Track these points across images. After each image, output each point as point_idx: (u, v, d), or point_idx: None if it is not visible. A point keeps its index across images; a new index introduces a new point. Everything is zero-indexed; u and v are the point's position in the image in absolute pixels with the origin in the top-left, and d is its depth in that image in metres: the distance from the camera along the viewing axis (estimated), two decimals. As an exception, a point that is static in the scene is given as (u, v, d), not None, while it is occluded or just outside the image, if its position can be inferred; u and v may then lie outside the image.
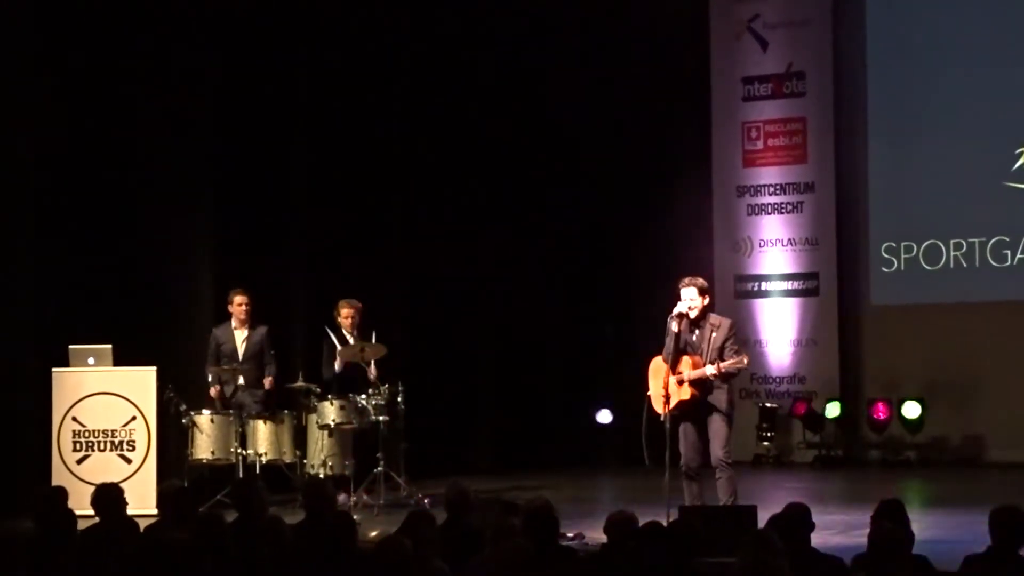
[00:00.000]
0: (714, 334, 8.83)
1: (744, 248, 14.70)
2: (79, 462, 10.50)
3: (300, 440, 10.85)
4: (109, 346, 10.59)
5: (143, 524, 6.83)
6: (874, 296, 14.34)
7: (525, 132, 14.30)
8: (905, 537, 5.65)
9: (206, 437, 10.58)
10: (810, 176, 14.45)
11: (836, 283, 14.33)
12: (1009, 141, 13.63)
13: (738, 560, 4.93)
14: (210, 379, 10.94)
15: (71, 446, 10.54)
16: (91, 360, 10.58)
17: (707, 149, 14.79)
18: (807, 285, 14.44)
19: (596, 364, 14.41)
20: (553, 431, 14.24)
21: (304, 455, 10.80)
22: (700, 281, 8.97)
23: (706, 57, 14.82)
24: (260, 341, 11.01)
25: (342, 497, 10.16)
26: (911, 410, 13.75)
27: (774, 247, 14.60)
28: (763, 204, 14.64)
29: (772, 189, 14.61)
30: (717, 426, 8.82)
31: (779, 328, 14.50)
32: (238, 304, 10.96)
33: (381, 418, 10.63)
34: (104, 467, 10.31)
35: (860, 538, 5.84)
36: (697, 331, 8.89)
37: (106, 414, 10.56)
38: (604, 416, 14.43)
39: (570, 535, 8.32)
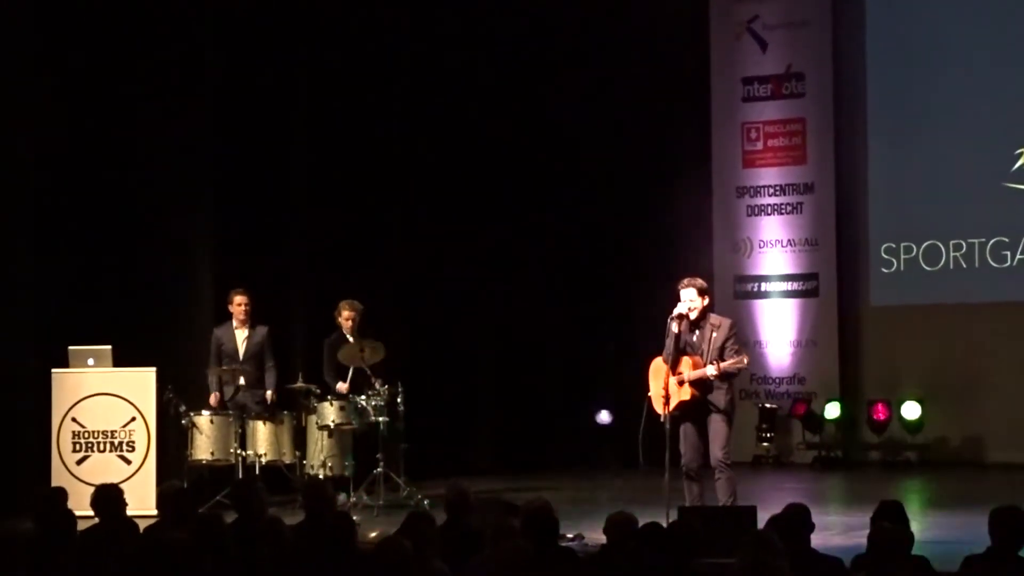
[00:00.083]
0: (714, 334, 8.84)
1: (744, 249, 14.70)
2: (79, 463, 10.50)
3: (300, 441, 10.85)
4: (109, 347, 10.59)
5: (143, 525, 6.82)
6: (874, 297, 14.34)
7: (525, 132, 14.30)
8: (905, 538, 5.65)
9: (206, 438, 10.58)
10: (810, 177, 14.45)
11: (836, 284, 14.33)
12: (1009, 142, 13.62)
13: (738, 561, 4.93)
14: (210, 384, 10.93)
15: (71, 447, 10.54)
16: (91, 361, 10.58)
17: (707, 150, 14.79)
18: (807, 286, 14.44)
19: (596, 365, 14.40)
20: (553, 432, 14.24)
21: (304, 456, 10.80)
22: (699, 282, 8.97)
23: (706, 58, 14.82)
24: (261, 341, 11.00)
25: (341, 497, 10.17)
26: (911, 411, 13.75)
27: (774, 248, 14.60)
28: (763, 205, 14.64)
29: (772, 190, 14.61)
30: (717, 427, 8.82)
31: (779, 329, 14.50)
32: (238, 304, 10.96)
33: (381, 419, 10.63)
34: (104, 468, 10.31)
35: (860, 539, 5.84)
36: (697, 332, 8.89)
37: (106, 415, 10.56)
38: (604, 417, 14.42)
39: (570, 536, 8.32)
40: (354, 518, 6.27)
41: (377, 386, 10.69)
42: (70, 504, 6.77)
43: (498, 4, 14.15)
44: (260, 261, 11.98)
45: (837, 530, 8.79)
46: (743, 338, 11.98)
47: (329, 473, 10.52)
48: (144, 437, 10.55)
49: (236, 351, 10.96)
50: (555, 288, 14.45)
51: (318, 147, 12.83)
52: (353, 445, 10.79)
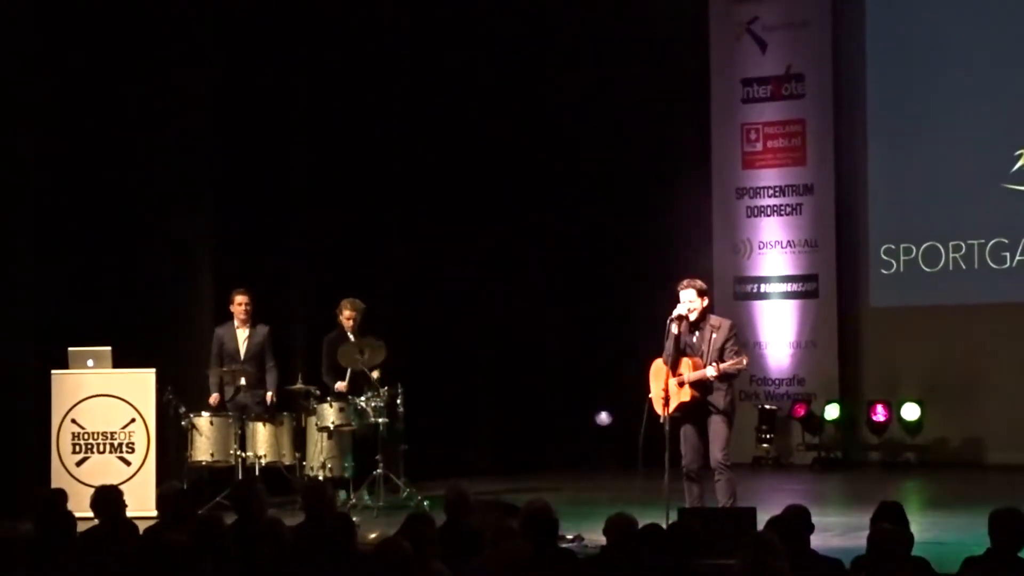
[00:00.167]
0: (714, 335, 8.84)
1: (743, 250, 14.70)
2: (78, 464, 10.49)
3: (299, 442, 10.85)
4: (108, 348, 10.59)
5: (142, 526, 6.82)
6: (873, 298, 14.34)
7: (525, 132, 14.31)
8: (905, 539, 5.65)
9: (205, 439, 10.58)
10: (809, 178, 14.45)
11: (835, 285, 14.34)
12: (1008, 143, 13.63)
13: (738, 562, 4.93)
14: (211, 384, 10.92)
15: (70, 448, 10.53)
16: (90, 362, 10.57)
17: (706, 151, 14.80)
18: (806, 287, 14.44)
19: (596, 365, 14.40)
20: (553, 432, 14.24)
21: (303, 457, 10.80)
22: (699, 283, 8.97)
23: (705, 59, 14.83)
24: (262, 341, 11.00)
25: (341, 495, 10.19)
26: (910, 412, 13.76)
27: (773, 249, 14.60)
28: (762, 206, 14.64)
29: (771, 191, 14.61)
30: (717, 428, 8.82)
31: (778, 330, 14.50)
32: (238, 304, 10.95)
33: (380, 420, 10.62)
34: (103, 469, 10.30)
35: (860, 540, 5.83)
36: (697, 333, 8.89)
37: (105, 416, 10.55)
38: (604, 417, 14.42)
39: (569, 537, 8.32)
40: (354, 519, 6.27)
41: (375, 377, 10.68)
42: (70, 505, 6.78)
43: (498, 4, 14.16)
44: (260, 261, 11.98)
45: (837, 531, 8.79)
46: (743, 339, 11.99)
47: (329, 474, 10.52)
48: (144, 438, 10.55)
49: (237, 351, 10.95)
50: (555, 289, 14.46)
51: (318, 147, 12.83)
52: (353, 446, 10.79)
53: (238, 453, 10.61)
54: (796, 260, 14.49)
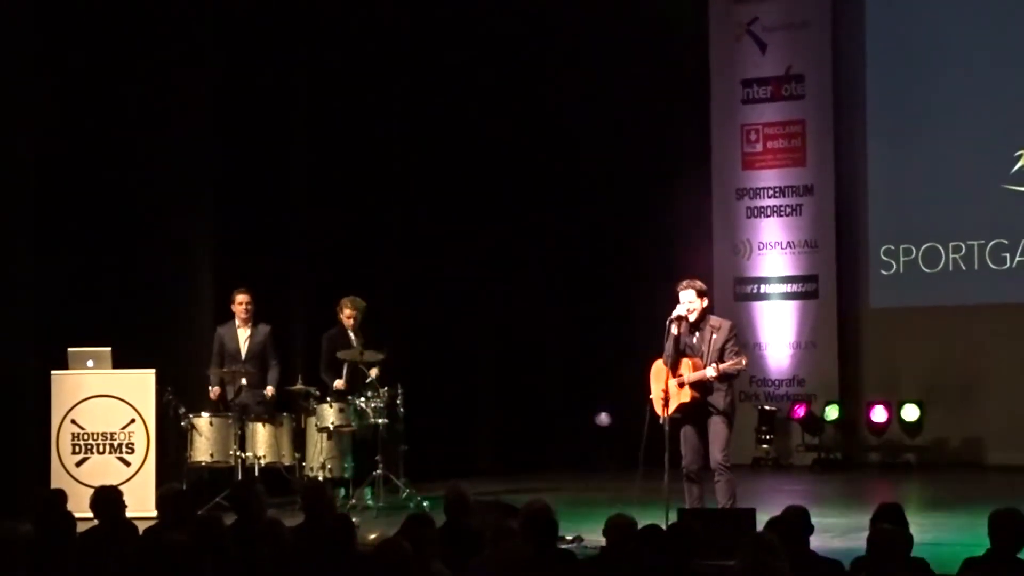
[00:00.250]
0: (714, 336, 8.84)
1: (743, 251, 14.71)
2: (78, 465, 10.49)
3: (299, 442, 10.85)
4: (108, 349, 10.58)
5: (142, 526, 6.82)
6: (873, 299, 14.34)
7: (525, 132, 14.31)
8: (904, 540, 5.65)
9: (205, 439, 10.58)
10: (809, 179, 14.46)
11: (835, 286, 14.34)
12: (1008, 144, 13.63)
13: (737, 563, 4.93)
14: (211, 380, 10.92)
15: (70, 449, 10.53)
16: (90, 363, 10.57)
17: (706, 151, 14.80)
18: (806, 288, 14.44)
19: (595, 366, 14.40)
20: (552, 433, 14.24)
21: (303, 457, 10.80)
22: (698, 283, 8.97)
23: (705, 59, 14.83)
24: (263, 340, 10.99)
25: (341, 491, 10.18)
26: (910, 412, 13.76)
27: (773, 250, 14.60)
28: (762, 207, 14.64)
29: (771, 192, 14.62)
30: (717, 429, 8.82)
31: (778, 331, 14.50)
32: (239, 303, 10.95)
33: (380, 420, 10.62)
34: (103, 469, 10.30)
35: (859, 541, 5.84)
36: (697, 333, 8.89)
37: (105, 417, 10.55)
38: (603, 418, 14.41)
39: (569, 538, 8.32)
40: (353, 520, 6.27)
41: (374, 376, 10.68)
42: (69, 506, 6.78)
43: (498, 4, 14.17)
44: (260, 261, 11.99)
45: (836, 532, 8.79)
46: (743, 340, 12.00)
47: (328, 475, 10.51)
48: (143, 439, 10.55)
49: (238, 350, 10.95)
50: (555, 289, 14.47)
51: (318, 147, 12.84)
52: (352, 447, 10.79)
53: (238, 454, 10.61)
54: (796, 261, 14.49)
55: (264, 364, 10.97)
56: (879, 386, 14.16)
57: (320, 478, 10.38)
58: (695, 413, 8.86)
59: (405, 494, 10.64)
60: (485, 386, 14.17)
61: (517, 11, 14.21)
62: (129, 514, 6.91)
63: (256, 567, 5.76)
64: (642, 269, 14.01)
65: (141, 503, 9.24)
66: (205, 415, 10.65)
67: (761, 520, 7.23)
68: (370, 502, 10.51)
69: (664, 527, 6.19)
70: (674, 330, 8.84)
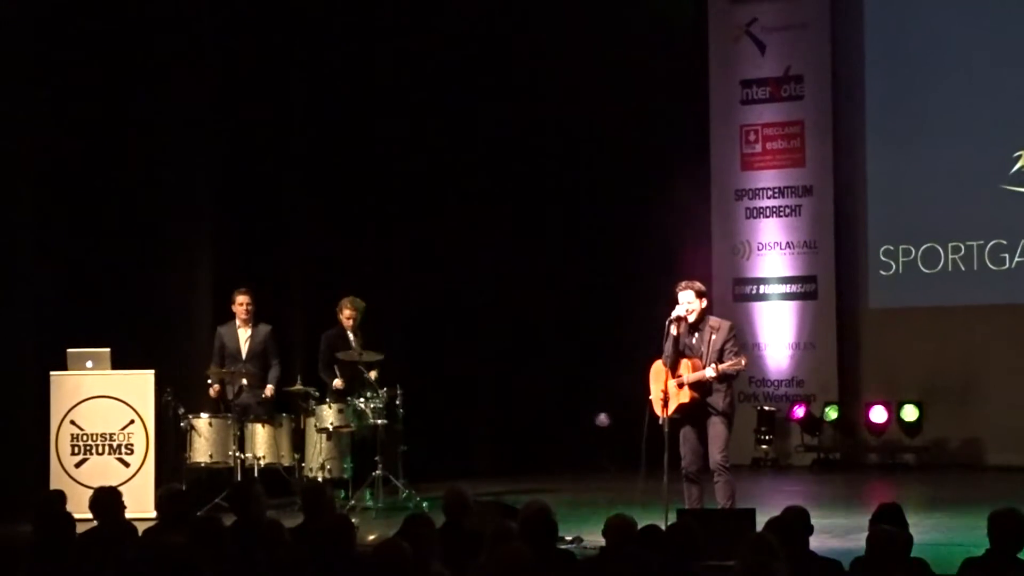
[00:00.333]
0: (714, 336, 8.84)
1: (742, 251, 14.71)
2: (77, 466, 10.49)
3: (298, 443, 10.84)
4: (107, 349, 10.58)
5: (141, 527, 6.82)
6: (872, 299, 14.34)
7: (525, 133, 14.31)
8: (904, 540, 5.65)
9: (204, 440, 10.58)
10: (808, 179, 14.46)
11: (834, 286, 14.34)
12: (1007, 144, 13.63)
13: (737, 564, 4.93)
14: (209, 380, 10.92)
15: (69, 450, 10.53)
16: (89, 363, 10.57)
17: (705, 152, 14.80)
18: (805, 288, 14.45)
19: (595, 367, 14.40)
20: (552, 434, 14.23)
21: (302, 458, 10.79)
22: (697, 284, 8.97)
23: (704, 60, 14.83)
24: (264, 340, 10.99)
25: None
26: (909, 413, 13.76)
27: (772, 250, 14.60)
28: (761, 207, 14.65)
29: (770, 192, 14.62)
30: (716, 429, 8.82)
31: (777, 331, 14.50)
32: (240, 304, 10.95)
33: (379, 421, 10.62)
34: (102, 470, 10.30)
35: (858, 541, 5.84)
36: (696, 334, 8.89)
37: (104, 418, 10.55)
38: (603, 419, 14.41)
39: (568, 538, 8.32)
40: (353, 520, 6.26)
41: (373, 378, 10.67)
42: (69, 507, 6.77)
43: (498, 5, 14.17)
44: (259, 262, 11.99)
45: (836, 533, 8.79)
46: (742, 340, 12.00)
47: (328, 475, 10.51)
48: (143, 440, 10.54)
49: (239, 350, 10.95)
50: (554, 289, 14.46)
51: (318, 147, 12.84)
52: (352, 447, 10.78)
53: (237, 454, 10.60)
54: (795, 261, 14.49)
55: (265, 364, 10.97)
56: (878, 387, 14.16)
57: (319, 479, 10.37)
58: (694, 414, 8.86)
59: (404, 495, 10.64)
60: (484, 387, 14.17)
61: (517, 11, 14.21)
62: (128, 515, 6.90)
63: (255, 568, 5.76)
64: (641, 269, 14.00)
65: (140, 504, 9.24)
66: (204, 416, 10.65)
67: (760, 521, 7.22)
68: (369, 503, 10.50)
69: (663, 528, 6.19)
70: (673, 331, 8.84)
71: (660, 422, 8.82)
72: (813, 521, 6.05)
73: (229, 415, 10.72)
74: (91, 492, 6.87)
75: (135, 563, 5.15)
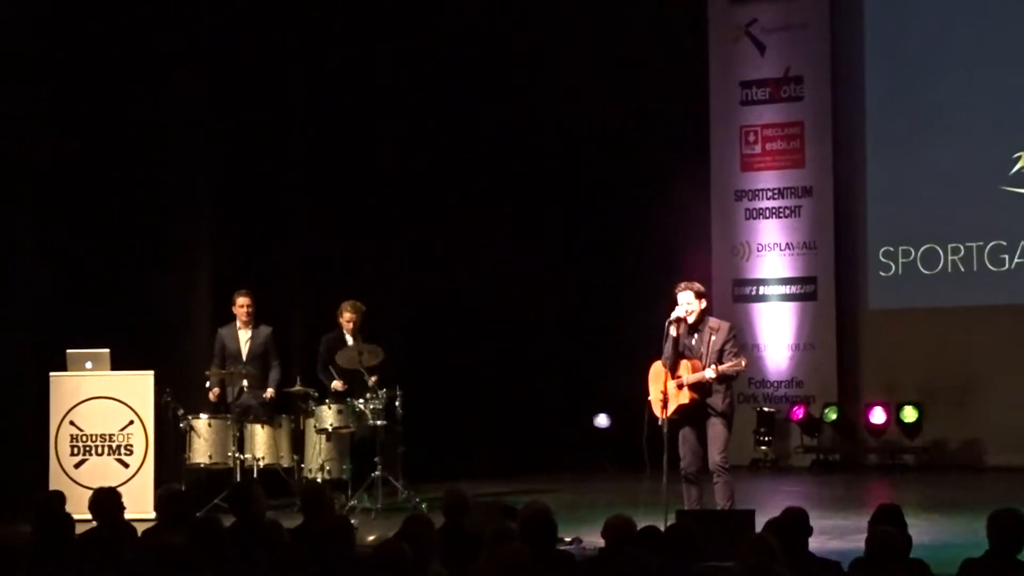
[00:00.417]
0: (713, 337, 8.84)
1: (742, 252, 14.70)
2: (77, 466, 10.49)
3: (298, 444, 10.85)
4: (107, 350, 10.58)
5: (140, 528, 6.82)
6: (872, 300, 14.34)
7: (525, 134, 14.31)
8: (903, 541, 5.65)
9: (203, 441, 10.58)
10: (808, 180, 14.46)
11: (834, 287, 14.34)
12: (1007, 145, 13.63)
13: (736, 564, 4.94)
14: (209, 383, 10.92)
15: (69, 450, 10.53)
16: (88, 364, 10.57)
17: (705, 153, 14.80)
18: (805, 289, 14.45)
19: (594, 368, 14.40)
20: (551, 435, 14.23)
21: (302, 459, 10.79)
22: (696, 285, 8.98)
23: (704, 61, 14.83)
24: (264, 342, 11.00)
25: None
26: (909, 414, 13.76)
27: (772, 251, 14.60)
28: (761, 208, 14.64)
29: (770, 193, 14.62)
30: (716, 430, 8.82)
31: (777, 332, 14.50)
32: (240, 305, 10.95)
33: (379, 422, 10.62)
34: (102, 471, 10.30)
35: (858, 542, 5.84)
36: (696, 335, 8.89)
37: (104, 418, 10.55)
38: (602, 420, 14.41)
39: (568, 539, 8.32)
40: (352, 521, 6.26)
41: (372, 383, 10.67)
42: (68, 508, 6.77)
43: (498, 5, 14.17)
44: (260, 262, 11.99)
45: (835, 534, 8.79)
46: (741, 341, 12.01)
47: (327, 476, 10.51)
48: (142, 440, 10.54)
49: (239, 352, 10.96)
50: (553, 290, 14.46)
51: (317, 148, 12.84)
52: (351, 448, 10.78)
53: (236, 455, 10.60)
54: (795, 262, 14.49)
55: (265, 366, 10.98)
56: (878, 387, 14.16)
57: (319, 480, 10.37)
58: (694, 415, 8.86)
59: (403, 496, 10.64)
60: (484, 387, 14.16)
61: (517, 11, 14.21)
62: (128, 516, 6.91)
63: (255, 569, 5.76)
64: (641, 270, 14.00)
65: (140, 505, 9.24)
66: (204, 417, 10.65)
67: (760, 521, 7.22)
68: (369, 504, 10.50)
69: (663, 529, 6.19)
70: (673, 332, 8.84)
71: (659, 423, 8.82)
72: (812, 522, 6.06)
73: (228, 416, 10.72)
74: (90, 493, 6.88)
75: (134, 564, 5.15)
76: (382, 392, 10.69)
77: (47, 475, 10.42)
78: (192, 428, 10.59)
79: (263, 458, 10.68)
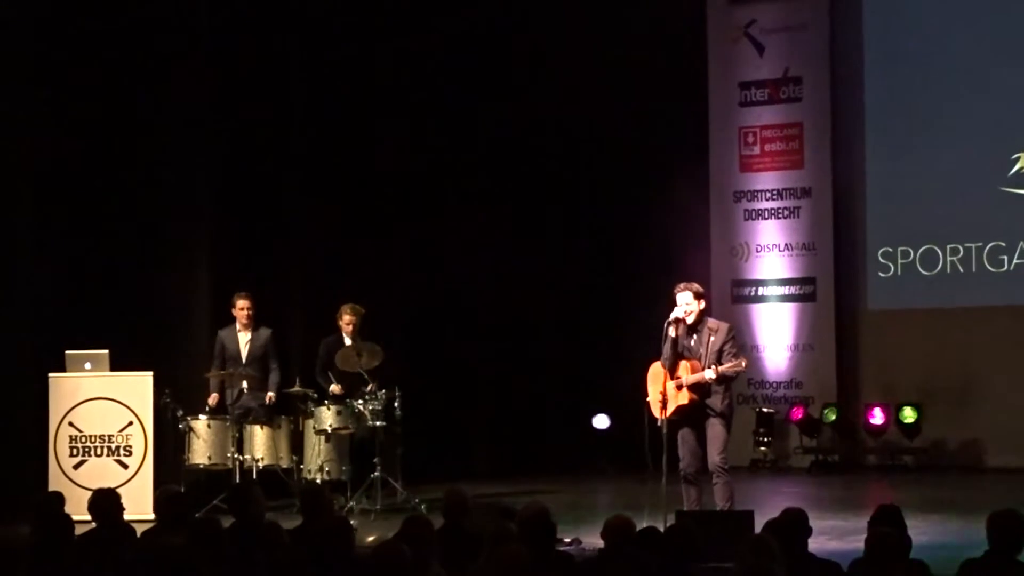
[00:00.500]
0: (712, 338, 8.84)
1: (741, 253, 14.70)
2: (76, 467, 10.49)
3: (297, 445, 10.84)
4: (106, 351, 10.58)
5: (140, 529, 6.82)
6: (871, 301, 14.34)
7: (525, 134, 14.31)
8: (902, 542, 5.65)
9: (202, 442, 10.58)
10: (807, 181, 14.45)
11: (833, 288, 14.33)
12: (1005, 146, 13.63)
13: (735, 565, 4.94)
14: (211, 386, 10.91)
15: (68, 451, 10.53)
16: (88, 365, 10.57)
17: (704, 154, 14.79)
18: (804, 290, 14.44)
19: (593, 368, 14.40)
20: (550, 436, 14.23)
21: (301, 460, 10.79)
22: (695, 286, 8.98)
23: (703, 62, 14.82)
24: (264, 344, 11.00)
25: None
26: (908, 415, 13.75)
27: (771, 252, 14.59)
28: (760, 209, 14.64)
29: (769, 194, 14.61)
30: (715, 431, 8.82)
31: (776, 333, 14.50)
32: (240, 308, 10.96)
33: (378, 423, 10.61)
34: (101, 472, 10.30)
35: (857, 543, 5.84)
36: (695, 336, 8.89)
37: (103, 419, 10.54)
38: (601, 421, 14.41)
39: (567, 540, 8.32)
40: (352, 522, 6.26)
41: (372, 389, 10.67)
42: (67, 508, 6.76)
43: (498, 5, 14.17)
44: (260, 262, 11.99)
45: (834, 534, 8.79)
46: (740, 342, 12.00)
47: (326, 477, 10.51)
48: (141, 441, 10.54)
49: (239, 354, 10.96)
50: (552, 291, 14.46)
51: (317, 150, 12.84)
52: (350, 449, 10.78)
53: (235, 456, 10.60)
54: (794, 263, 14.49)
55: (265, 368, 10.98)
56: (877, 388, 14.16)
57: (318, 481, 10.37)
58: (693, 415, 8.86)
59: (403, 496, 10.63)
60: (482, 388, 14.16)
61: (517, 11, 14.21)
62: (127, 517, 6.90)
63: (254, 570, 5.76)
64: (639, 271, 14.00)
65: (139, 506, 9.24)
66: (203, 418, 10.65)
67: (759, 522, 7.22)
68: (368, 505, 10.49)
69: (662, 529, 6.20)
70: (672, 332, 8.84)
71: (658, 424, 8.82)
72: (812, 523, 6.06)
73: (227, 417, 10.71)
74: (90, 494, 6.87)
75: (134, 565, 5.15)
76: (381, 393, 10.69)
77: (46, 476, 10.42)
78: (191, 429, 10.59)
79: (262, 459, 10.68)
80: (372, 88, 13.23)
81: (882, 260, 14.25)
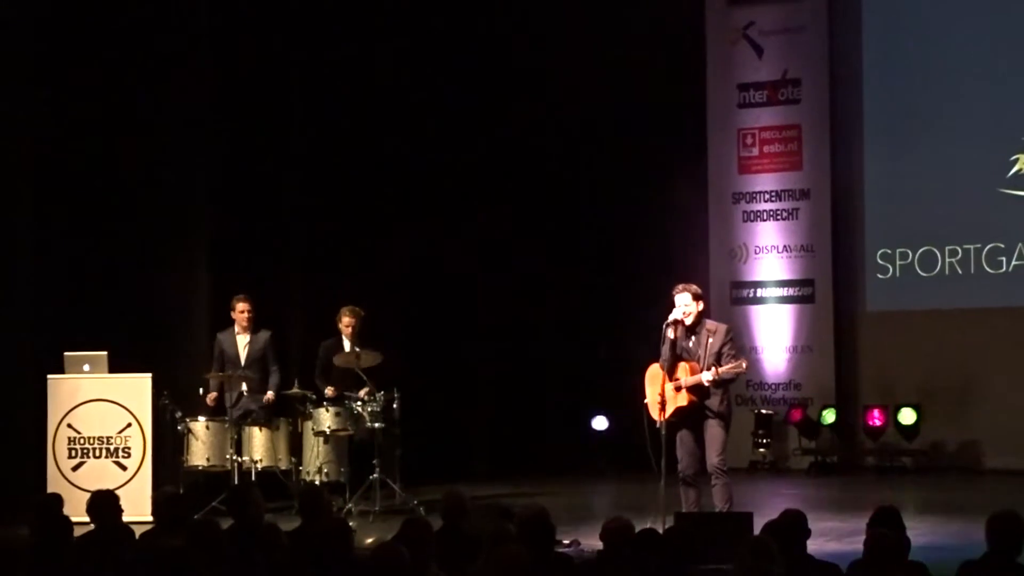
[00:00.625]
0: (711, 340, 8.85)
1: (739, 255, 14.70)
2: (74, 469, 10.49)
3: (296, 447, 10.84)
4: (104, 353, 10.57)
5: (138, 531, 6.82)
6: (869, 303, 14.34)
7: (525, 134, 14.31)
8: (901, 544, 5.66)
9: (201, 444, 10.57)
10: (805, 183, 14.46)
11: (831, 290, 14.34)
12: (1004, 147, 13.63)
13: (734, 567, 4.94)
14: (210, 385, 10.91)
15: (66, 453, 10.53)
16: (86, 367, 10.56)
17: (703, 155, 14.80)
18: (802, 292, 14.45)
19: (593, 371, 14.40)
20: (549, 437, 14.23)
21: (299, 462, 10.79)
22: (694, 287, 8.98)
23: (702, 63, 14.83)
24: (263, 347, 10.99)
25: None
26: (907, 416, 13.76)
27: (769, 254, 14.60)
28: (758, 211, 14.64)
29: (767, 196, 14.61)
30: (714, 433, 8.82)
31: (774, 335, 14.50)
32: (240, 311, 10.95)
33: (377, 425, 10.61)
34: (99, 474, 10.29)
35: (856, 545, 5.85)
36: (694, 337, 8.89)
37: (101, 421, 10.54)
38: (600, 423, 14.41)
39: (566, 542, 8.32)
40: (350, 524, 6.26)
41: (370, 391, 10.67)
42: (66, 510, 6.75)
43: (498, 6, 14.17)
44: (260, 262, 11.99)
45: (833, 536, 8.80)
46: (739, 344, 12.01)
47: (325, 479, 10.51)
48: (140, 443, 10.54)
49: (238, 356, 10.95)
50: (552, 293, 14.46)
51: (316, 152, 12.84)
52: (349, 451, 10.78)
53: (234, 458, 10.59)
54: (792, 265, 14.49)
55: (264, 370, 10.97)
56: (876, 390, 14.16)
57: (317, 482, 10.36)
58: (692, 417, 8.86)
59: (401, 498, 10.63)
60: (481, 390, 14.17)
61: (516, 14, 14.21)
62: (125, 518, 6.90)
63: (253, 571, 5.76)
64: (639, 271, 14.01)
65: (137, 507, 9.22)
66: (201, 419, 10.65)
67: (758, 524, 7.21)
68: (366, 506, 10.49)
69: (661, 531, 6.20)
70: (670, 334, 8.84)
71: (657, 425, 8.82)
72: (811, 524, 6.06)
73: (226, 419, 10.71)
74: (88, 495, 6.87)
75: (132, 566, 5.15)
76: (380, 395, 10.69)
77: (45, 478, 10.41)
78: (190, 430, 10.58)
79: (261, 461, 10.67)
80: (372, 88, 13.23)
81: (881, 262, 14.26)
